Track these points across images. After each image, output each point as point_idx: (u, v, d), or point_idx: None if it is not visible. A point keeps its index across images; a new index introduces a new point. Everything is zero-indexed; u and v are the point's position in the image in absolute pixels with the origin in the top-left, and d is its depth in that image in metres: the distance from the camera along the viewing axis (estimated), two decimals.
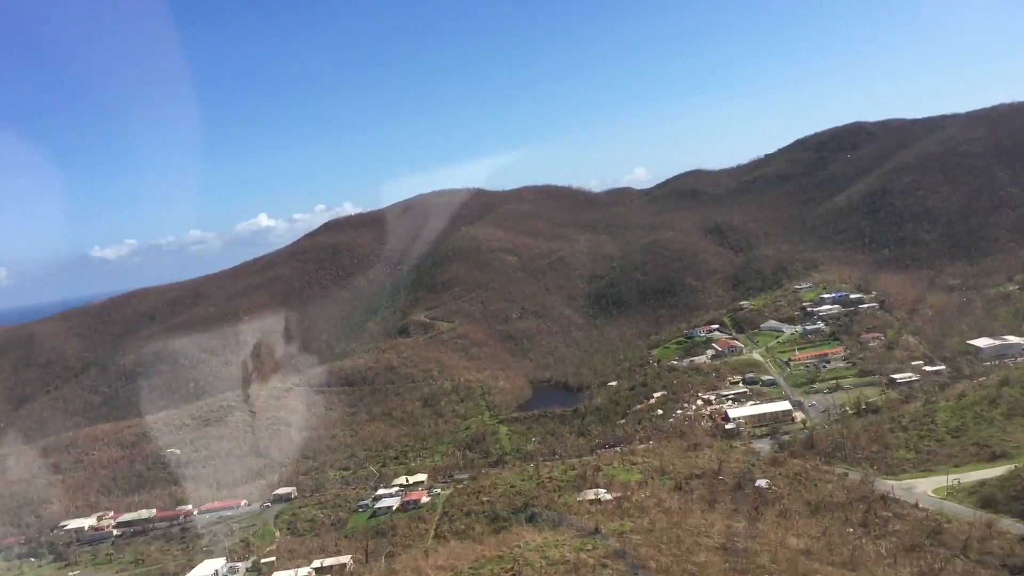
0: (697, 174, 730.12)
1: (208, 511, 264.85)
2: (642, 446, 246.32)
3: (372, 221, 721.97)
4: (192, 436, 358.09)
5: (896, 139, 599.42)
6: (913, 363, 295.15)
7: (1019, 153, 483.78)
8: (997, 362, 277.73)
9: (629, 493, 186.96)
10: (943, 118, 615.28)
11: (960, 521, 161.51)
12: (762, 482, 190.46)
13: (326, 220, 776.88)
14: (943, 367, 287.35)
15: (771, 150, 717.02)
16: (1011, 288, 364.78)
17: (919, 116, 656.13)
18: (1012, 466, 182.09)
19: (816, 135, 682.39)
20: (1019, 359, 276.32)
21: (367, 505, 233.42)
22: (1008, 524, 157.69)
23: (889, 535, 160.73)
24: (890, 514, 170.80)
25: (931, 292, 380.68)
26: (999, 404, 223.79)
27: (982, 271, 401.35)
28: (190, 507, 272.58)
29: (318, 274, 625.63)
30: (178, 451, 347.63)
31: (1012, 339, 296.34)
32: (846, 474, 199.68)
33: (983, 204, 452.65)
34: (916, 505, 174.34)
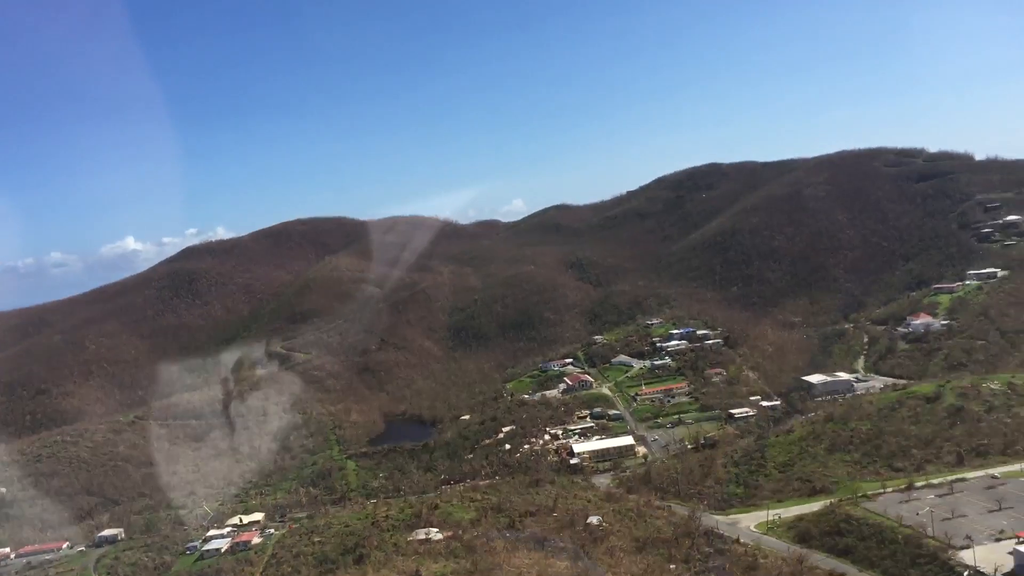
0: (561, 209, 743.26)
1: (26, 554, 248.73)
2: (484, 482, 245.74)
3: (234, 248, 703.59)
4: (21, 473, 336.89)
5: (748, 180, 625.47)
6: (751, 398, 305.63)
7: (857, 198, 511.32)
8: (828, 397, 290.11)
9: (460, 532, 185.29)
10: (791, 162, 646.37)
11: (776, 556, 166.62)
12: (593, 519, 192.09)
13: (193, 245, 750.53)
14: (778, 402, 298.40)
15: (634, 187, 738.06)
16: (846, 326, 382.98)
17: (771, 159, 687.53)
18: (828, 501, 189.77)
19: (675, 174, 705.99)
20: (847, 395, 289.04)
21: (195, 547, 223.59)
22: (819, 559, 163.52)
23: (709, 571, 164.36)
24: (712, 550, 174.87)
25: (774, 329, 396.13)
26: (823, 439, 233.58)
27: (821, 309, 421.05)
28: (7, 550, 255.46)
29: (173, 302, 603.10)
30: (3, 489, 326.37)
31: (842, 375, 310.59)
32: (675, 510, 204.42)
33: (824, 245, 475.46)
34: (738, 540, 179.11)
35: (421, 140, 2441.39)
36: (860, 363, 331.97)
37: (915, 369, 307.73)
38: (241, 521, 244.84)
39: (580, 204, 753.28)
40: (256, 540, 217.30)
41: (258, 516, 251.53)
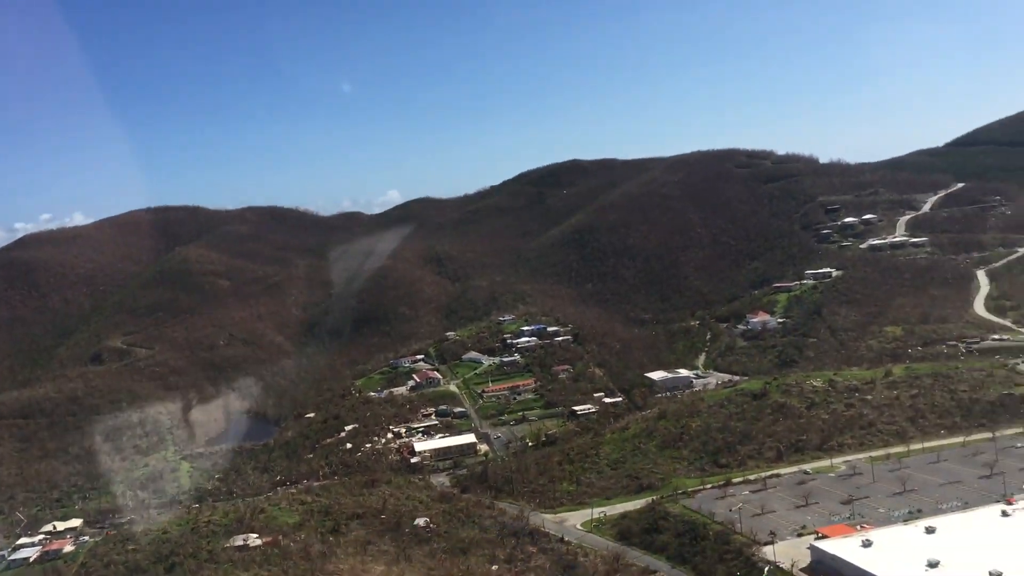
0: (425, 202, 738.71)
1: None
2: (318, 483, 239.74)
3: (76, 237, 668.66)
4: None
5: (608, 178, 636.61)
6: (595, 395, 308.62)
7: (709, 197, 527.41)
8: (668, 394, 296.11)
9: (280, 537, 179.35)
10: (650, 161, 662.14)
11: (596, 554, 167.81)
12: (420, 521, 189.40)
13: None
14: (621, 399, 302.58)
15: (497, 182, 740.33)
16: (692, 323, 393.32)
17: (630, 157, 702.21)
18: (650, 498, 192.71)
19: (538, 170, 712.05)
20: (687, 391, 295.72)
21: (3, 556, 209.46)
22: (636, 556, 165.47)
23: (529, 571, 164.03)
24: (535, 549, 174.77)
25: (624, 325, 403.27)
26: (655, 436, 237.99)
27: (671, 306, 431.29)
28: None
29: (7, 294, 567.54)
30: None
31: (683, 372, 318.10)
32: (506, 509, 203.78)
33: (676, 243, 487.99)
34: (562, 539, 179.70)
35: (290, 127, 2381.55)
36: (701, 360, 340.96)
37: (751, 366, 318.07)
38: (55, 528, 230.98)
39: (444, 198, 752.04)
40: (68, 548, 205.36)
41: (75, 523, 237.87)
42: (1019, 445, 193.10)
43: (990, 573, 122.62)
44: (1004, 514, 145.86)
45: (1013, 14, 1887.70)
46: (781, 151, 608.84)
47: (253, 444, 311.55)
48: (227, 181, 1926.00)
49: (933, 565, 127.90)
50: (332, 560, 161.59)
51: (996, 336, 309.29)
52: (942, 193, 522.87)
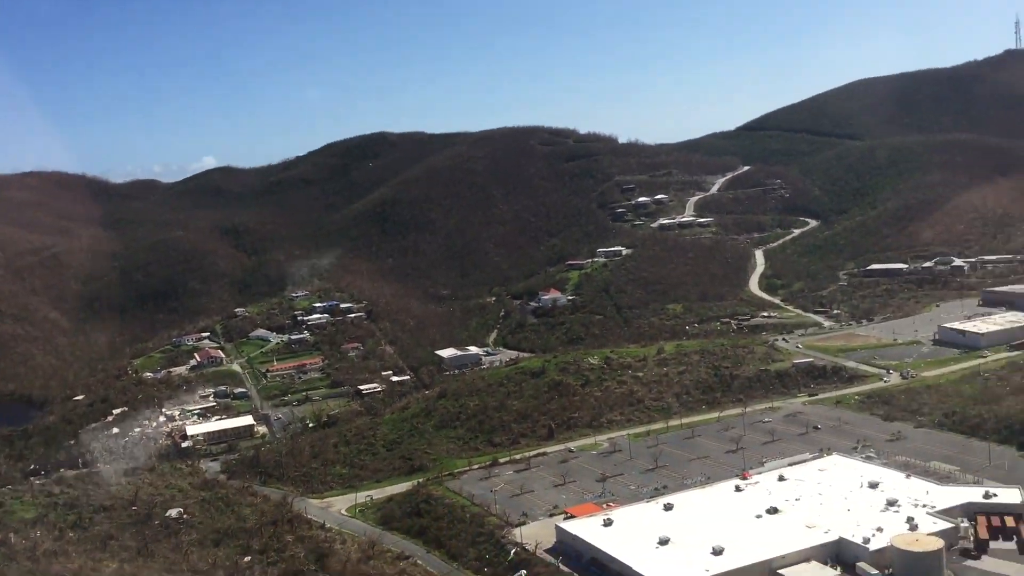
0: (225, 171, 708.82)
1: None
2: (72, 472, 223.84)
3: None
4: None
5: (415, 152, 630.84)
6: (384, 373, 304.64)
7: (512, 174, 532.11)
8: (457, 371, 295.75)
9: (12, 535, 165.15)
10: (457, 135, 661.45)
11: (353, 541, 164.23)
12: (173, 512, 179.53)
13: None
14: (408, 377, 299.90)
15: (303, 152, 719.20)
16: (489, 299, 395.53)
17: (439, 131, 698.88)
18: (416, 481, 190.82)
19: (344, 141, 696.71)
20: (476, 368, 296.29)
21: None
22: (395, 541, 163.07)
23: (282, 561, 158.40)
24: (293, 537, 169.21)
25: (422, 302, 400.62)
26: (433, 416, 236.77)
27: (471, 282, 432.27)
28: None
29: None
30: None
31: (473, 349, 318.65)
32: (271, 495, 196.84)
33: (478, 219, 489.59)
34: (323, 525, 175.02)
35: (91, 83, 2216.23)
36: (492, 337, 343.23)
37: (540, 343, 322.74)
38: None
39: (246, 167, 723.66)
40: None
41: None
42: (766, 420, 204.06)
43: (713, 549, 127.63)
44: (737, 489, 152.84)
45: (804, 7, 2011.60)
46: (583, 130, 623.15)
47: (11, 429, 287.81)
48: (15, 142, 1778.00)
49: (664, 542, 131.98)
50: (60, 559, 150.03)
51: (765, 314, 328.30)
52: (730, 175, 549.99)
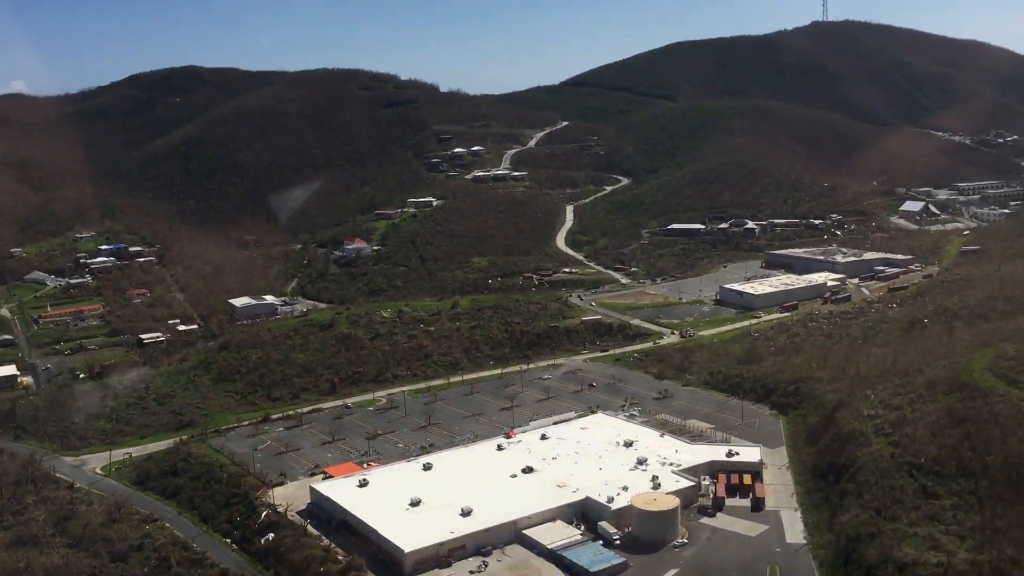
0: (16, 99, 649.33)
1: None
2: None
3: None
4: None
5: (227, 89, 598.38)
6: (171, 322, 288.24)
7: (328, 117, 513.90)
8: (249, 321, 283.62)
9: None
10: (273, 74, 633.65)
11: (102, 502, 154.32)
12: None
13: None
14: (196, 326, 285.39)
15: (105, 83, 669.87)
16: (295, 247, 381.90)
17: (256, 69, 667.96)
18: (180, 438, 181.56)
19: (150, 73, 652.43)
20: (272, 318, 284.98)
21: None
22: (147, 502, 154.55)
23: (23, 524, 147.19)
24: (35, 499, 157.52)
25: (224, 248, 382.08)
26: (212, 368, 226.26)
27: (278, 228, 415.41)
28: None
29: None
30: None
31: (269, 299, 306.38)
32: (19, 452, 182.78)
33: (289, 163, 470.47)
34: (72, 486, 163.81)
35: None
36: (291, 286, 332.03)
37: (339, 293, 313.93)
38: None
39: (40, 96, 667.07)
40: None
41: None
42: (546, 377, 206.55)
43: (462, 510, 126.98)
44: (499, 448, 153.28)
45: None
46: (404, 76, 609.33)
47: None
48: None
49: (415, 504, 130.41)
50: None
51: (567, 270, 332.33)
52: (548, 130, 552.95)
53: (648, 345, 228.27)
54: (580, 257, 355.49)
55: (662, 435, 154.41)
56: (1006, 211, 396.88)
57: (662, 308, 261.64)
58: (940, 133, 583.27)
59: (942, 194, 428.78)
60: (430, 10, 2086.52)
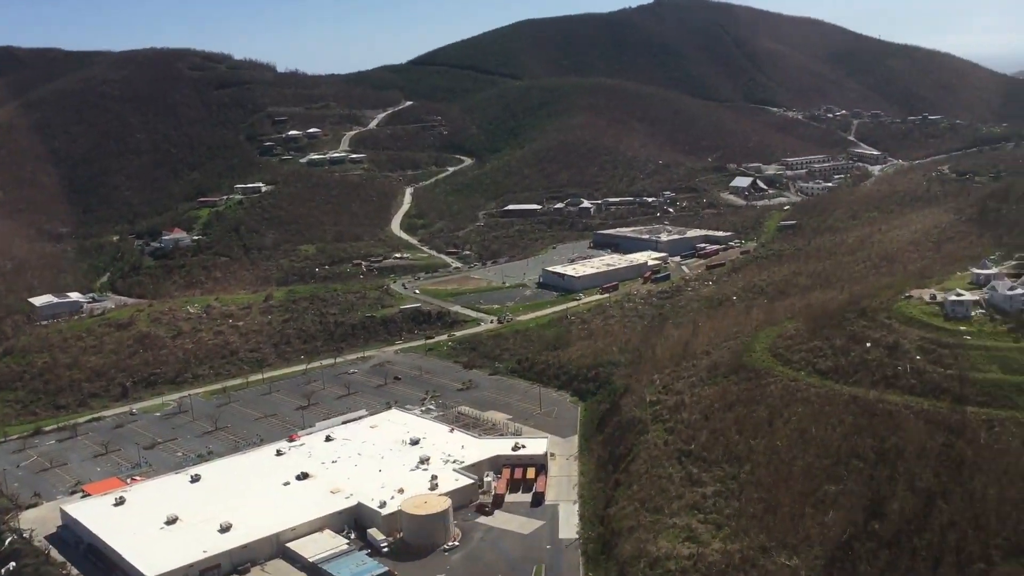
0: None
1: None
2: None
3: None
4: None
5: (47, 70, 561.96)
6: None
7: (155, 100, 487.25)
8: (50, 321, 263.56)
9: None
10: (96, 55, 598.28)
11: None
12: None
13: None
14: None
15: None
16: (112, 238, 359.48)
17: (77, 49, 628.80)
18: None
19: None
20: (76, 317, 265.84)
21: None
22: None
23: None
24: None
25: (34, 241, 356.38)
26: None
27: (95, 219, 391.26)
28: None
29: None
30: None
31: (74, 296, 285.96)
32: None
33: (110, 148, 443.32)
34: None
35: None
36: (101, 281, 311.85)
37: (154, 288, 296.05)
38: None
39: None
40: None
41: None
42: (352, 371, 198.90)
43: (221, 526, 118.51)
44: (279, 453, 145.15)
45: None
46: (239, 56, 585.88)
47: None
48: None
49: (171, 522, 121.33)
50: None
51: (398, 255, 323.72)
52: (391, 110, 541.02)
53: (467, 332, 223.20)
54: (414, 241, 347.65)
55: (451, 430, 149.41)
56: (830, 184, 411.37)
57: (484, 293, 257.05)
58: (775, 109, 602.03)
59: (771, 169, 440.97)
60: None
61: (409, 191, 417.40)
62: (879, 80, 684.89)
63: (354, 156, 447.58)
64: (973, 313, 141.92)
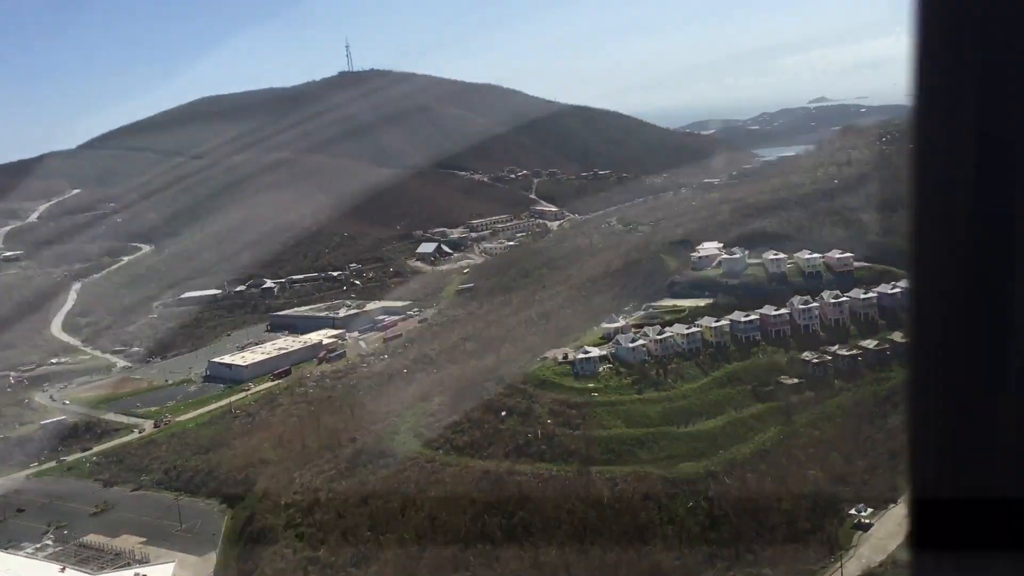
0: None
1: None
2: None
3: None
4: None
5: None
6: None
7: None
8: None
9: None
10: None
11: None
12: None
13: None
14: None
15: None
16: None
17: None
18: None
19: None
20: None
21: None
22: None
23: None
24: None
25: None
26: None
27: None
28: None
29: None
30: None
31: None
32: None
33: None
34: None
35: None
36: None
37: None
38: None
39: None
40: None
41: None
42: None
43: None
44: None
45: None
46: None
47: None
48: None
49: None
50: None
51: (56, 360, 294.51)
52: (55, 200, 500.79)
53: (117, 442, 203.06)
54: (77, 343, 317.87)
55: (62, 569, 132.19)
56: (512, 243, 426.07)
57: (143, 395, 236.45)
58: (463, 173, 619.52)
59: (456, 232, 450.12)
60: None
61: (76, 287, 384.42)
62: (558, 139, 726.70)
63: (8, 254, 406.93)
64: (600, 369, 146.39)
